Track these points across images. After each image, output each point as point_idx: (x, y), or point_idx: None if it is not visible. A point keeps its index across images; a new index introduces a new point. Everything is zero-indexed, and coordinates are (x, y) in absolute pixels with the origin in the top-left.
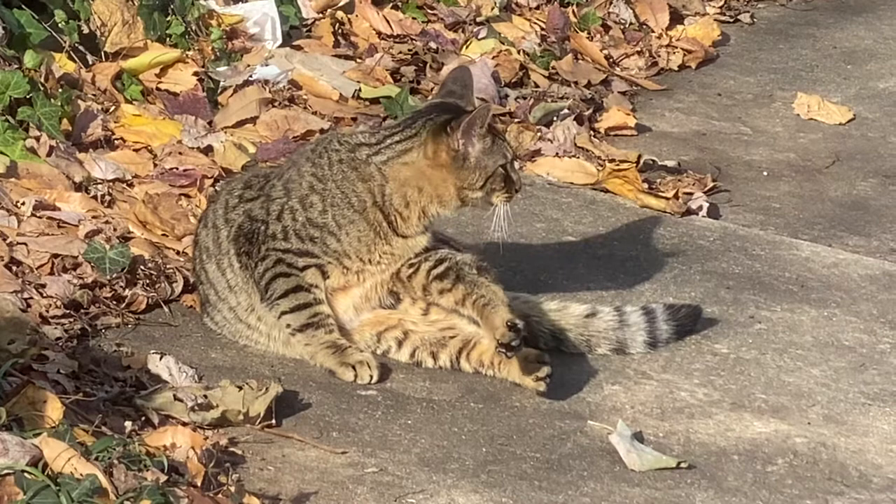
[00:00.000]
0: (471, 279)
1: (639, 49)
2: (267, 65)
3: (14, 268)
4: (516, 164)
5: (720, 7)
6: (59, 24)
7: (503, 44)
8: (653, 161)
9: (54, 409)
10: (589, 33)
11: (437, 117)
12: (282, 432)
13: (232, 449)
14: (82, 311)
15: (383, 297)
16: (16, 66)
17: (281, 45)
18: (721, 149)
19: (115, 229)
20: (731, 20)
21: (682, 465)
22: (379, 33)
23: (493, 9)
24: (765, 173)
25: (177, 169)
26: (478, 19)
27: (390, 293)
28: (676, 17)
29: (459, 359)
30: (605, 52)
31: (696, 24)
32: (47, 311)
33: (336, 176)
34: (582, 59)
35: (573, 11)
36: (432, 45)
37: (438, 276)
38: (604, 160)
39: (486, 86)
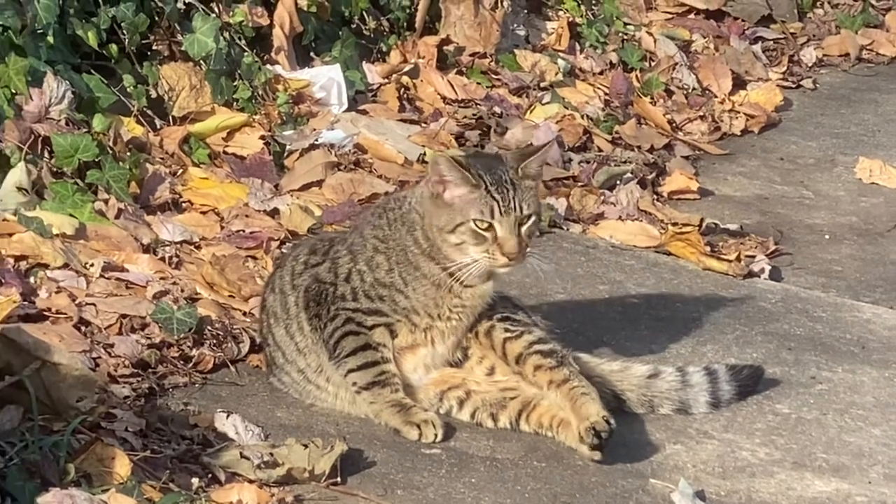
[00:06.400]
0: (574, 369)
1: (701, 114)
2: (333, 129)
3: (83, 328)
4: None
5: (783, 73)
6: (128, 89)
7: (567, 108)
8: (715, 224)
9: (122, 466)
10: (652, 98)
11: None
12: (347, 490)
13: None
14: (150, 370)
15: (452, 355)
16: (85, 129)
17: (346, 110)
18: (783, 212)
19: (182, 290)
20: (794, 86)
21: None
22: (443, 98)
23: (556, 74)
24: (826, 236)
25: (243, 231)
26: (542, 84)
27: (460, 349)
28: (739, 83)
29: (519, 420)
30: (668, 116)
31: (758, 89)
32: (115, 371)
33: (395, 234)
34: (645, 124)
35: (636, 77)
36: (496, 109)
37: (542, 352)
38: (666, 223)
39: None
